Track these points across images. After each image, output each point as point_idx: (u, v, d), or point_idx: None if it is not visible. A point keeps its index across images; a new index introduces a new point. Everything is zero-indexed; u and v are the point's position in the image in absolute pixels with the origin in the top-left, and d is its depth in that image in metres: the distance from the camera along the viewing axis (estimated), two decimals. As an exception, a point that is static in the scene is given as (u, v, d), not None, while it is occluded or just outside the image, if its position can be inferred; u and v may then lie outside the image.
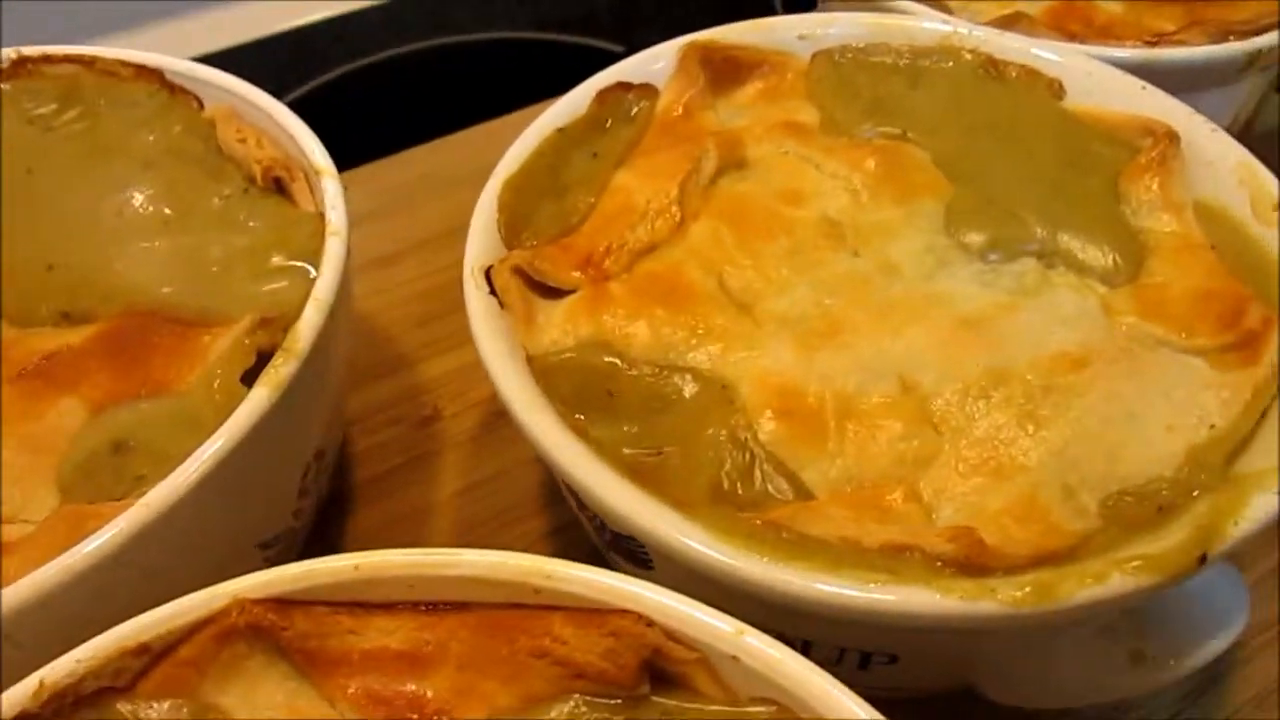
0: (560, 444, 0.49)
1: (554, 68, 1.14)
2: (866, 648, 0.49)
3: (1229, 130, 0.80)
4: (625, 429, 0.53)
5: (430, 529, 0.70)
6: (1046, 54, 0.68)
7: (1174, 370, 0.53)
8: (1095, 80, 0.67)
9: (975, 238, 0.60)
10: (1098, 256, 0.59)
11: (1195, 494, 0.48)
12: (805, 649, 0.50)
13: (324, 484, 0.65)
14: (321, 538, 0.68)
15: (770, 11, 0.92)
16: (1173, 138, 0.62)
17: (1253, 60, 0.74)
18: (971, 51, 0.69)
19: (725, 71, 0.69)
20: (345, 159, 0.90)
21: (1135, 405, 0.51)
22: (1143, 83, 0.66)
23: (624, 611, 0.42)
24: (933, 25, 0.71)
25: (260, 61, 1.17)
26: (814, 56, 0.71)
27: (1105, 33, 0.75)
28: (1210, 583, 0.51)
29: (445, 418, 0.75)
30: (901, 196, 0.61)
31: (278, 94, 1.12)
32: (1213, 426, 0.50)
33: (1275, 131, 0.86)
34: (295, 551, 0.63)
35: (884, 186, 0.61)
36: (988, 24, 0.75)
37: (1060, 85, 0.68)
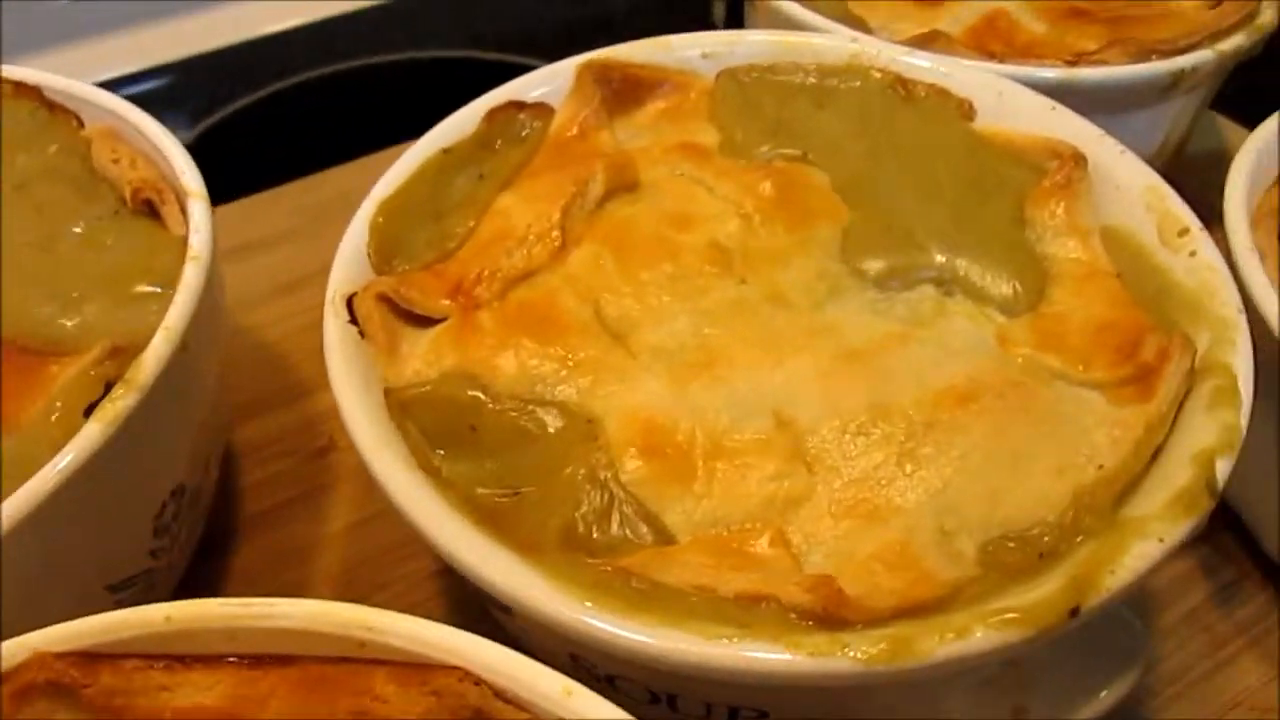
0: (403, 484, 0.46)
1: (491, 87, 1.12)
2: (732, 703, 0.46)
3: (1159, 153, 0.78)
4: (487, 466, 0.50)
5: (314, 567, 0.66)
6: (957, 74, 0.66)
7: (1067, 405, 0.50)
8: (1006, 101, 0.64)
9: (871, 265, 0.57)
10: (997, 284, 0.56)
11: (1079, 539, 0.45)
12: (672, 702, 0.47)
13: (195, 521, 0.62)
14: (198, 577, 0.65)
15: (710, 27, 0.90)
16: (1079, 160, 0.59)
17: (1177, 80, 0.71)
18: (880, 71, 0.67)
19: (625, 91, 0.67)
20: (277, 177, 0.88)
21: (1022, 443, 0.48)
22: (1053, 103, 0.63)
23: (452, 668, 0.39)
24: (841, 44, 0.68)
25: (193, 79, 1.14)
26: (719, 75, 0.68)
27: (1026, 52, 0.73)
28: (1101, 628, 0.48)
29: (340, 449, 0.72)
30: (796, 222, 0.58)
31: (210, 112, 1.11)
32: (1101, 467, 0.47)
33: (1208, 154, 0.84)
34: (162, 592, 0.60)
35: (778, 211, 0.59)
36: (904, 43, 0.73)
37: (970, 106, 0.65)
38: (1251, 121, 0.67)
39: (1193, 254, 0.55)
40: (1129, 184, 0.59)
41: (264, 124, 1.10)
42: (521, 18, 1.19)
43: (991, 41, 0.74)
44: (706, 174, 0.61)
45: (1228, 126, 0.94)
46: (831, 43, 0.68)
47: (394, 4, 1.20)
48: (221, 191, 0.72)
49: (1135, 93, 0.71)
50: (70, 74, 0.68)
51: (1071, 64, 0.71)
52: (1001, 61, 0.71)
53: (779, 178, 0.60)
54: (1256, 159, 0.64)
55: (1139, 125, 0.76)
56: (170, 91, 1.12)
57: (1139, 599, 0.62)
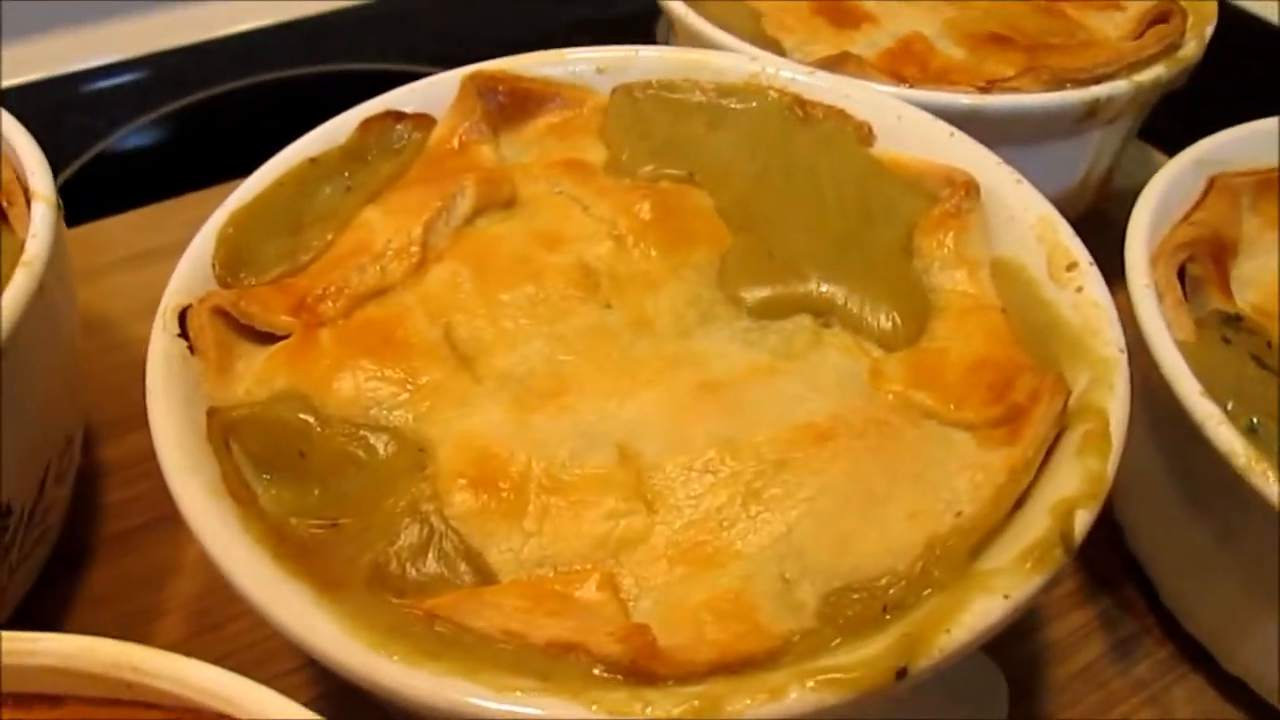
0: (201, 513, 0.43)
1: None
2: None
3: (1082, 185, 0.76)
4: (314, 494, 0.47)
5: (167, 593, 0.63)
6: (857, 96, 0.63)
7: (933, 446, 0.47)
8: (905, 125, 0.62)
9: (748, 293, 0.54)
10: (877, 317, 0.53)
11: (927, 592, 0.42)
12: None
13: (33, 542, 0.58)
14: (44, 598, 0.61)
15: (654, 42, 0.87)
16: (971, 189, 0.56)
17: (1092, 110, 0.69)
18: (779, 91, 0.64)
19: (513, 104, 0.64)
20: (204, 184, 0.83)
21: (879, 486, 0.45)
22: (951, 129, 0.60)
23: (218, 714, 0.36)
24: (740, 63, 0.65)
25: (125, 82, 1.11)
26: (614, 91, 0.65)
27: (940, 78, 0.70)
28: (956, 681, 0.45)
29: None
30: (673, 245, 0.55)
31: (140, 113, 1.08)
32: (959, 514, 0.44)
33: (1139, 187, 0.81)
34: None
35: (654, 234, 0.56)
36: (815, 64, 0.70)
37: (869, 129, 0.62)
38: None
39: (1079, 290, 0.52)
40: (1022, 214, 0.56)
41: (200, 130, 1.07)
42: (461, 34, 1.16)
43: (906, 66, 0.72)
44: (586, 192, 0.58)
45: (1161, 160, 0.91)
46: (730, 61, 0.66)
47: (334, 15, 1.18)
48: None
49: (1049, 122, 0.69)
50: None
51: (984, 90, 0.68)
52: (912, 86, 0.69)
53: (659, 199, 0.58)
54: (1164, 194, 0.61)
55: (1058, 156, 0.73)
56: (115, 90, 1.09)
57: (1034, 650, 0.59)
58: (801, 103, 0.64)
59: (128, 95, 1.09)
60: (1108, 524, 0.63)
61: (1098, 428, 0.45)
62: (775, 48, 0.74)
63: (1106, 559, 0.64)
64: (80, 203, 0.83)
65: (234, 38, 1.17)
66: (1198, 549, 0.55)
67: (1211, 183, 0.63)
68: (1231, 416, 0.51)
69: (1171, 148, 0.92)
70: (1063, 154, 0.73)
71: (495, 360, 0.50)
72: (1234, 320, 0.57)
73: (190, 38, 1.16)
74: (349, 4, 1.20)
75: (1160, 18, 0.73)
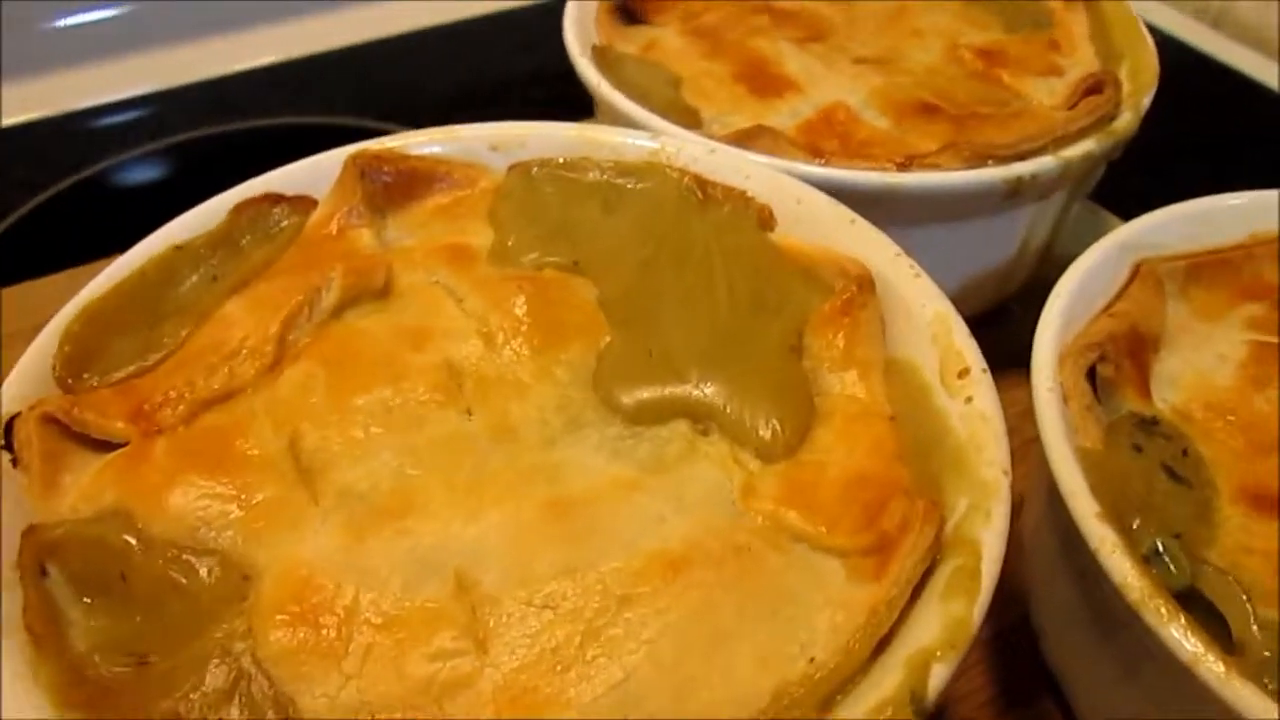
0: (-14, 655, 0.40)
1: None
2: None
3: (1017, 258, 0.72)
4: (134, 622, 0.44)
5: None
6: (758, 178, 0.60)
7: (796, 577, 0.44)
8: (805, 209, 0.58)
9: (624, 394, 0.51)
10: (758, 424, 0.49)
11: (770, 750, 0.38)
12: None
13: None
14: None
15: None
16: (865, 284, 0.53)
17: (1016, 189, 0.65)
18: (680, 171, 0.61)
19: (399, 185, 0.61)
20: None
21: (730, 624, 0.42)
22: (853, 215, 0.57)
23: None
24: (641, 141, 0.62)
25: (58, 139, 1.09)
26: (510, 170, 0.62)
27: (859, 151, 0.67)
28: None
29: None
30: (547, 342, 0.52)
31: (75, 170, 1.06)
32: (813, 659, 0.41)
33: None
34: None
35: (528, 330, 0.53)
36: (729, 137, 0.67)
37: (769, 213, 0.59)
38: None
39: (969, 400, 0.48)
40: (919, 311, 0.52)
41: (134, 187, 1.05)
42: (401, 86, 1.14)
43: (825, 138, 0.68)
44: (462, 283, 0.55)
45: (1112, 223, 0.88)
46: (630, 139, 0.62)
47: (279, 67, 1.16)
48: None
49: (972, 199, 0.65)
50: None
51: (903, 166, 0.65)
52: (828, 162, 0.65)
53: (537, 291, 0.54)
54: (1083, 283, 0.57)
55: (986, 231, 0.70)
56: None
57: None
58: (701, 183, 0.60)
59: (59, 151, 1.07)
60: (1027, 629, 0.59)
61: (969, 564, 0.42)
62: (692, 118, 0.71)
63: (1026, 665, 0.60)
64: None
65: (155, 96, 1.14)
66: (1107, 676, 0.51)
67: (1136, 269, 0.60)
68: (1135, 537, 0.47)
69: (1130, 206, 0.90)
70: (991, 229, 0.70)
71: (339, 474, 0.47)
72: (1149, 424, 0.53)
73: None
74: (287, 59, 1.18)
75: (1093, 88, 0.70)
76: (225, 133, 1.09)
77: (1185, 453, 0.52)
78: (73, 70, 1.16)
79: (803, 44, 0.77)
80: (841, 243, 0.56)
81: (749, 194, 0.60)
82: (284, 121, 1.09)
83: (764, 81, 0.73)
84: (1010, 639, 0.61)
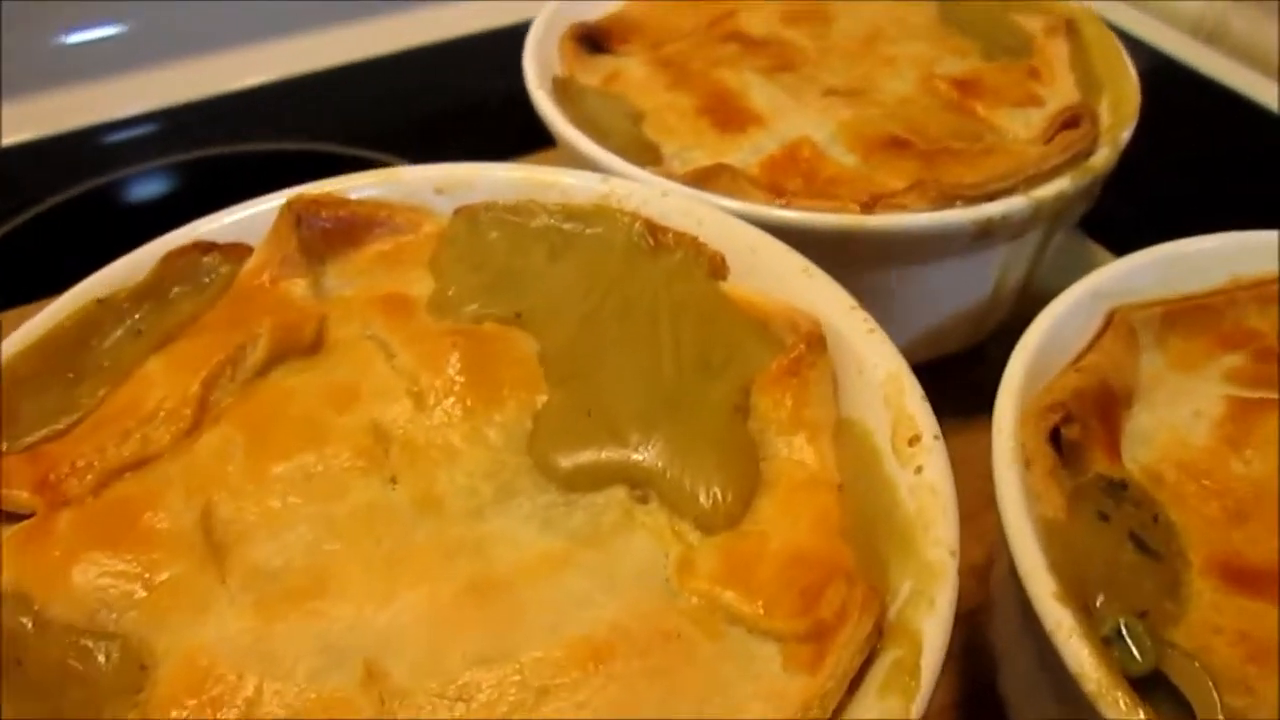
0: None
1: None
2: None
3: (992, 298, 0.69)
4: (30, 709, 0.41)
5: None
6: (712, 223, 0.57)
7: (728, 664, 0.41)
8: (759, 258, 0.56)
9: (559, 459, 0.48)
10: (699, 491, 0.47)
11: None
12: None
13: None
14: None
15: None
16: (815, 341, 0.50)
17: (986, 230, 0.62)
18: (631, 215, 0.58)
19: (338, 231, 0.59)
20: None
21: (653, 717, 0.39)
22: (807, 264, 0.54)
23: None
24: (590, 183, 0.60)
25: (33, 163, 1.07)
26: (455, 213, 0.60)
27: (824, 190, 0.64)
28: None
29: None
30: (480, 402, 0.50)
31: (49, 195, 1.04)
32: (739, 763, 0.38)
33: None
34: None
35: (461, 388, 0.50)
36: (687, 176, 0.64)
37: (723, 260, 0.56)
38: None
39: (919, 470, 0.45)
40: (871, 370, 0.50)
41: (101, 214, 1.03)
42: (375, 111, 1.12)
43: (788, 176, 0.66)
44: (397, 338, 0.53)
45: (1098, 255, 0.85)
46: (580, 181, 0.60)
47: (249, 92, 1.14)
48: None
49: (940, 241, 0.62)
50: None
51: (867, 207, 0.62)
52: (789, 203, 0.63)
53: (474, 347, 0.52)
54: (1052, 334, 0.54)
55: (956, 273, 0.67)
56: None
57: None
58: (652, 228, 0.58)
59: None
60: (994, 696, 0.56)
61: (908, 658, 0.39)
62: (653, 154, 0.68)
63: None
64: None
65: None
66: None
67: (1110, 318, 0.57)
68: (1098, 616, 0.44)
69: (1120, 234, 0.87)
70: (962, 270, 0.67)
71: (252, 549, 0.44)
72: (1118, 489, 0.50)
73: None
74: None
75: (1070, 122, 0.67)
76: (177, 162, 1.06)
77: (1155, 519, 0.49)
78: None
79: (771, 74, 0.74)
80: (796, 293, 0.54)
81: (701, 240, 0.57)
82: (246, 149, 1.07)
83: (728, 115, 0.70)
84: (977, 706, 0.58)
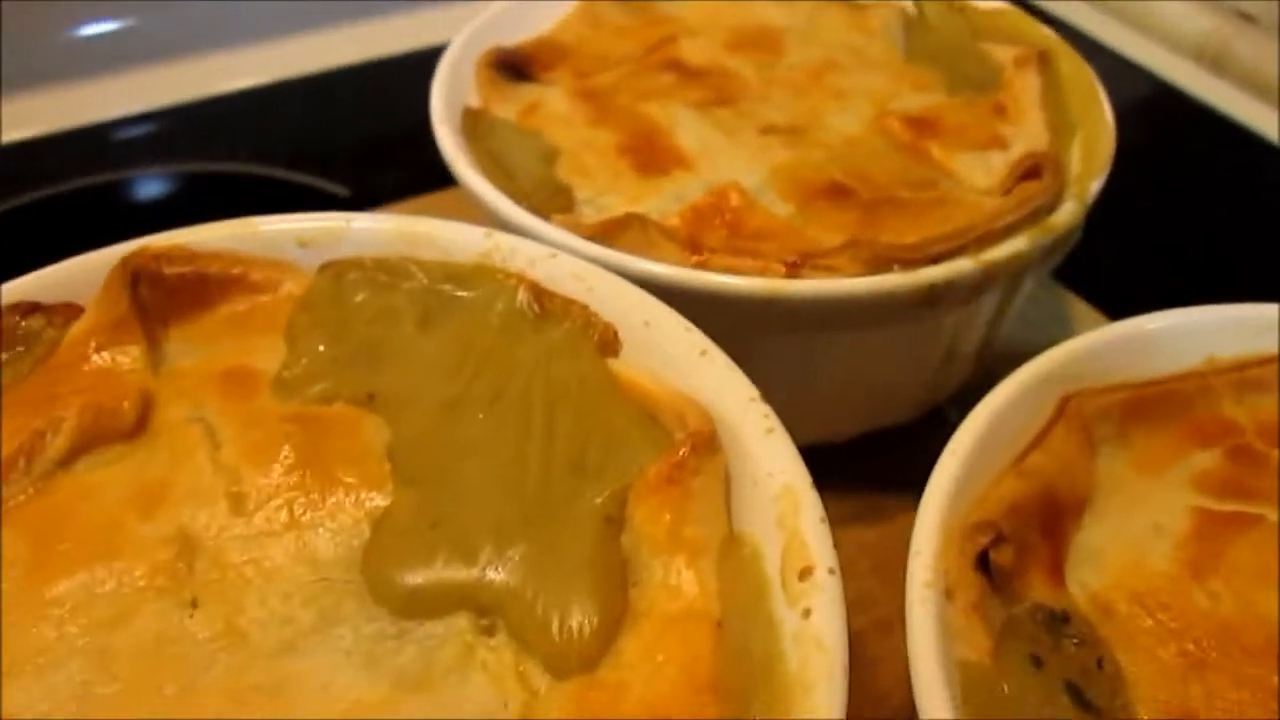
0: None
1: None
2: None
3: (943, 365, 0.62)
4: None
5: None
6: (606, 291, 0.50)
7: None
8: (655, 333, 0.48)
9: (395, 578, 0.41)
10: (553, 622, 0.40)
11: None
12: None
13: None
14: None
15: None
16: (702, 444, 0.42)
17: (928, 297, 0.55)
18: (516, 277, 0.51)
19: (185, 290, 0.52)
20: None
21: None
22: (706, 346, 0.47)
23: None
24: (472, 239, 0.52)
25: None
26: (320, 271, 0.53)
27: (747, 246, 0.56)
28: None
29: None
30: (310, 506, 0.43)
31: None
32: None
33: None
34: None
35: (290, 489, 0.43)
36: (594, 228, 0.57)
37: (615, 335, 0.49)
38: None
39: (807, 614, 0.38)
40: (767, 481, 0.42)
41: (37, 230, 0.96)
42: (306, 131, 1.05)
43: (710, 228, 0.58)
44: (228, 422, 0.46)
45: (1074, 307, 0.77)
46: (461, 236, 0.53)
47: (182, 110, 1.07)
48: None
49: (873, 309, 0.55)
50: None
51: (794, 267, 0.54)
52: (707, 260, 0.55)
53: (311, 439, 0.45)
54: (993, 429, 0.47)
55: (902, 337, 0.60)
56: None
57: None
58: (538, 294, 0.51)
59: None
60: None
61: None
62: (564, 199, 0.61)
63: None
64: None
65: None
66: None
67: (1062, 407, 0.49)
68: (1020, 794, 0.37)
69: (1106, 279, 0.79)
70: (906, 336, 0.59)
71: (15, 692, 0.37)
72: (1059, 623, 0.42)
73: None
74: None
75: (1030, 172, 0.59)
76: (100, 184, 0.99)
77: (1100, 664, 0.41)
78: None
79: (705, 109, 0.67)
80: (690, 377, 0.46)
81: (591, 310, 0.50)
82: (167, 170, 1.00)
83: (651, 155, 0.63)
84: None
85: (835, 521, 0.65)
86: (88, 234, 0.94)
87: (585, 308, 0.50)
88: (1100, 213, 0.61)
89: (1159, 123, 1.09)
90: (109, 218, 0.96)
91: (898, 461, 0.64)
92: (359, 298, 0.52)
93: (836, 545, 0.66)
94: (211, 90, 1.06)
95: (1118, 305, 0.78)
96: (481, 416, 0.46)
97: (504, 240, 0.52)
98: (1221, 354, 0.52)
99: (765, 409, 0.44)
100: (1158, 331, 0.52)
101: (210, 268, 0.52)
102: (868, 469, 0.66)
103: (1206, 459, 0.49)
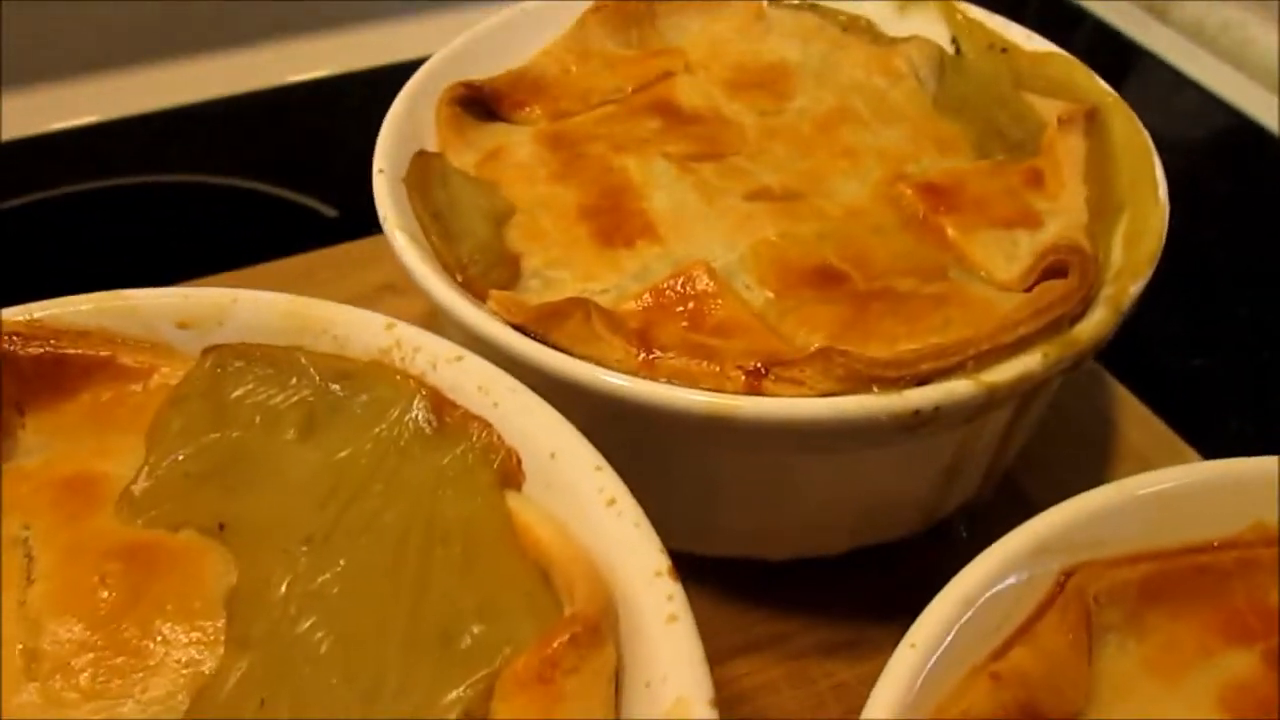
0: None
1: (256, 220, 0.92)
2: None
3: (944, 484, 0.53)
4: None
5: None
6: (511, 408, 0.42)
7: None
8: (561, 469, 0.40)
9: (204, 772, 0.34)
10: None
11: None
12: None
13: None
14: None
15: None
16: (585, 636, 0.34)
17: (917, 423, 0.45)
18: (415, 381, 0.43)
19: (44, 373, 0.45)
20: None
21: None
22: (615, 493, 0.39)
23: None
24: (371, 331, 0.45)
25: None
26: (201, 357, 0.46)
27: (704, 346, 0.48)
28: None
29: None
30: (119, 669, 0.36)
31: None
32: None
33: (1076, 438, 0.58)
34: None
35: (97, 647, 0.36)
36: (530, 314, 0.49)
37: (518, 464, 0.41)
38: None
39: None
40: (660, 683, 0.34)
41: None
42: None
43: (668, 319, 0.50)
44: (50, 550, 0.39)
45: (1112, 389, 0.67)
46: (359, 329, 0.45)
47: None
48: None
49: (848, 434, 0.46)
50: None
51: (754, 377, 0.46)
52: (656, 361, 0.47)
53: (141, 576, 0.38)
54: (953, 626, 0.38)
55: (886, 460, 0.50)
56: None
57: None
58: (438, 405, 0.43)
59: None
60: None
61: None
62: (508, 269, 0.53)
63: None
64: None
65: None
66: None
67: (1061, 584, 0.40)
68: None
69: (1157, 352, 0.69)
70: (891, 458, 0.50)
71: None
72: None
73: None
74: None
75: (1054, 269, 0.49)
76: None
77: None
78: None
79: (688, 164, 0.58)
80: (595, 531, 0.38)
81: (495, 431, 0.42)
82: (141, 179, 0.94)
83: (616, 222, 0.55)
84: None
85: (812, 652, 0.57)
86: (62, 242, 0.89)
87: (488, 427, 0.42)
88: (1160, 276, 0.51)
89: (1243, 166, 0.97)
90: (78, 227, 0.91)
91: (892, 583, 0.56)
92: (238, 393, 0.44)
93: (809, 680, 0.57)
94: (202, 95, 1.00)
95: (1171, 400, 0.68)
96: (343, 562, 0.39)
97: (408, 335, 0.44)
98: (1271, 517, 0.42)
99: (671, 589, 0.36)
100: (1191, 488, 0.42)
101: (72, 348, 0.45)
102: (858, 588, 0.58)
103: (1240, 661, 0.39)
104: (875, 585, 0.58)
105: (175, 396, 0.44)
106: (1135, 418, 0.66)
